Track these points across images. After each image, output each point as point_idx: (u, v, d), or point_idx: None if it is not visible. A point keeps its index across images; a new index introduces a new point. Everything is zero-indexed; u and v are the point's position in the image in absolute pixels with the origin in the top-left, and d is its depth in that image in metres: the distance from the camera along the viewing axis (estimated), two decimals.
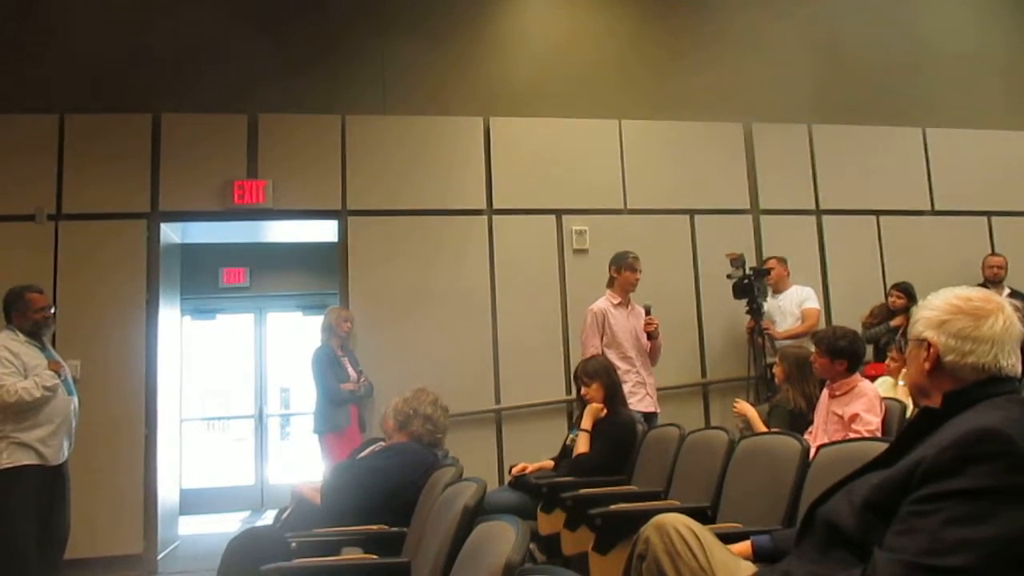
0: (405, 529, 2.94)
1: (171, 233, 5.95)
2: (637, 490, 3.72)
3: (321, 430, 5.32)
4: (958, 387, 1.66)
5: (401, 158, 5.94)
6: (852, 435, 3.50)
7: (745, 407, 4.43)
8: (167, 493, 5.68)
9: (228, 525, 6.83)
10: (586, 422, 4.20)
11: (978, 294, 1.72)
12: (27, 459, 4.12)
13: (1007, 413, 1.53)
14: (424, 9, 6.28)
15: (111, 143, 5.62)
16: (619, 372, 4.68)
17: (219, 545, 3.15)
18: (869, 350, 5.46)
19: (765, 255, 6.18)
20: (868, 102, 6.69)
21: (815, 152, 6.56)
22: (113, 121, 5.66)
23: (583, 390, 4.33)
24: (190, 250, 6.77)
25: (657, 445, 3.95)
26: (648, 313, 5.21)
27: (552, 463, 4.40)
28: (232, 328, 8.73)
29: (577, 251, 6.05)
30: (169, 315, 5.87)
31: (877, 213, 6.55)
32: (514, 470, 4.32)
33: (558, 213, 6.11)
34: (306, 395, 6.72)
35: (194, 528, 6.72)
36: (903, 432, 1.79)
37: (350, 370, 5.44)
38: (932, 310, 1.73)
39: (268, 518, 6.24)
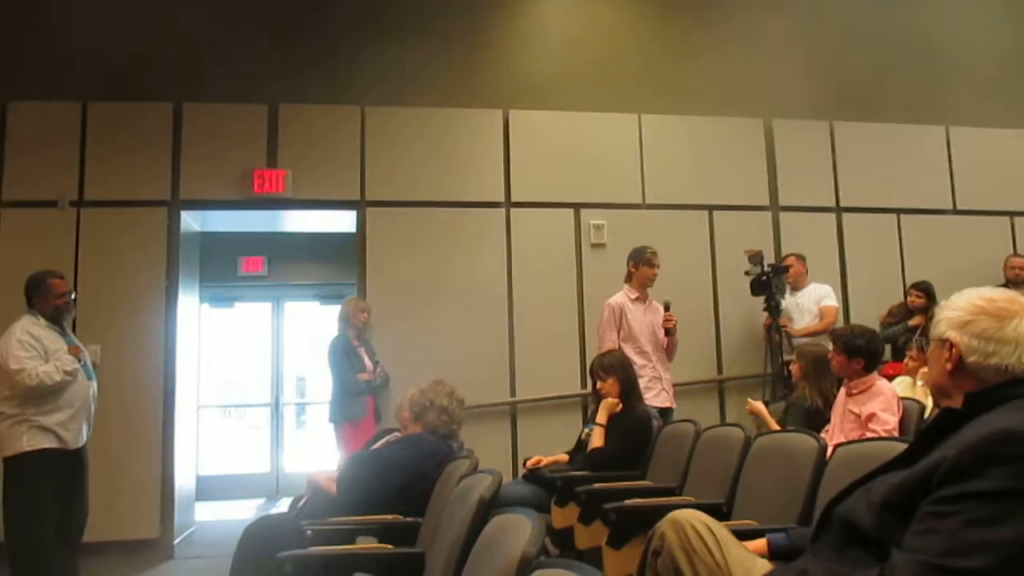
0: (419, 519, 2.95)
1: (191, 221, 5.99)
2: (652, 485, 3.71)
3: (337, 419, 5.35)
4: (980, 388, 1.64)
5: (420, 150, 5.95)
6: (869, 434, 3.49)
7: (755, 404, 4.42)
8: (184, 479, 5.73)
9: (243, 512, 6.88)
10: (601, 416, 4.20)
11: (1002, 295, 1.71)
12: (47, 443, 4.16)
13: None
14: (445, 1, 6.27)
15: (133, 131, 5.66)
16: (635, 367, 4.67)
17: (235, 531, 3.17)
18: (887, 349, 5.42)
19: (784, 252, 6.15)
20: (891, 100, 6.63)
21: (836, 149, 6.51)
22: (135, 109, 5.70)
23: (599, 384, 4.32)
24: (209, 238, 6.81)
25: (672, 441, 3.95)
26: (667, 309, 5.19)
27: (567, 457, 4.40)
28: (250, 317, 8.79)
29: (595, 245, 6.04)
30: (188, 303, 5.92)
31: (898, 211, 6.50)
32: (528, 463, 4.32)
33: (576, 207, 6.10)
34: (322, 384, 6.76)
35: (210, 514, 6.78)
36: (923, 432, 1.77)
37: (366, 360, 5.46)
38: (955, 310, 1.71)
39: (283, 506, 6.27)
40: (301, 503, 3.53)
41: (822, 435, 3.29)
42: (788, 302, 5.84)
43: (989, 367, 1.64)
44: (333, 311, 5.82)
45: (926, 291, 5.72)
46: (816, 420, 4.01)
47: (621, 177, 6.17)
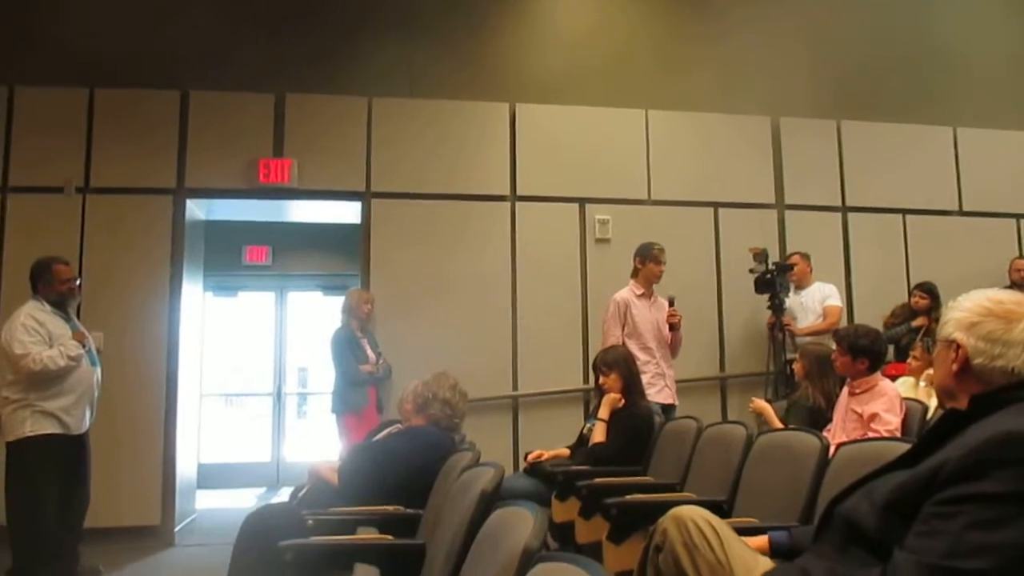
0: (421, 511, 2.95)
1: (196, 210, 5.99)
2: (653, 481, 3.72)
3: (339, 410, 5.36)
4: (986, 390, 1.64)
5: (426, 142, 5.94)
6: (871, 434, 3.49)
7: (760, 403, 4.42)
8: (185, 467, 5.75)
9: (244, 501, 6.91)
10: (603, 412, 4.20)
11: (1010, 297, 1.70)
12: (50, 428, 4.18)
13: None
14: None
15: (139, 119, 5.67)
16: (639, 363, 4.68)
17: (235, 520, 3.17)
18: (890, 350, 5.41)
19: (789, 250, 6.14)
20: (898, 100, 6.60)
21: (843, 148, 6.50)
22: (142, 97, 5.70)
23: (601, 380, 4.33)
24: (214, 227, 6.81)
25: (674, 437, 3.95)
26: (671, 305, 5.19)
27: (568, 451, 4.41)
28: (253, 306, 8.79)
29: (599, 240, 6.04)
30: (192, 291, 5.92)
31: (904, 212, 6.48)
32: (530, 457, 4.33)
33: (582, 202, 6.09)
34: (324, 375, 6.77)
35: (211, 502, 6.79)
36: (927, 433, 1.77)
37: (369, 352, 5.46)
38: (962, 311, 1.71)
39: (284, 495, 6.29)
40: (302, 493, 3.54)
41: (824, 434, 3.29)
42: (792, 301, 5.83)
43: (995, 369, 1.64)
44: (337, 302, 5.82)
45: (930, 292, 5.71)
46: (818, 419, 4.01)
47: (627, 173, 6.16)
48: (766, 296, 5.66)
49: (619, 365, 4.29)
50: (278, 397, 8.52)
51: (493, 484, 2.19)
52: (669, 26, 6.54)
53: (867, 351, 3.76)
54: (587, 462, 4.01)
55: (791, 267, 5.80)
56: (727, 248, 6.17)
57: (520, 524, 1.59)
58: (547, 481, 4.01)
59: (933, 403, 3.92)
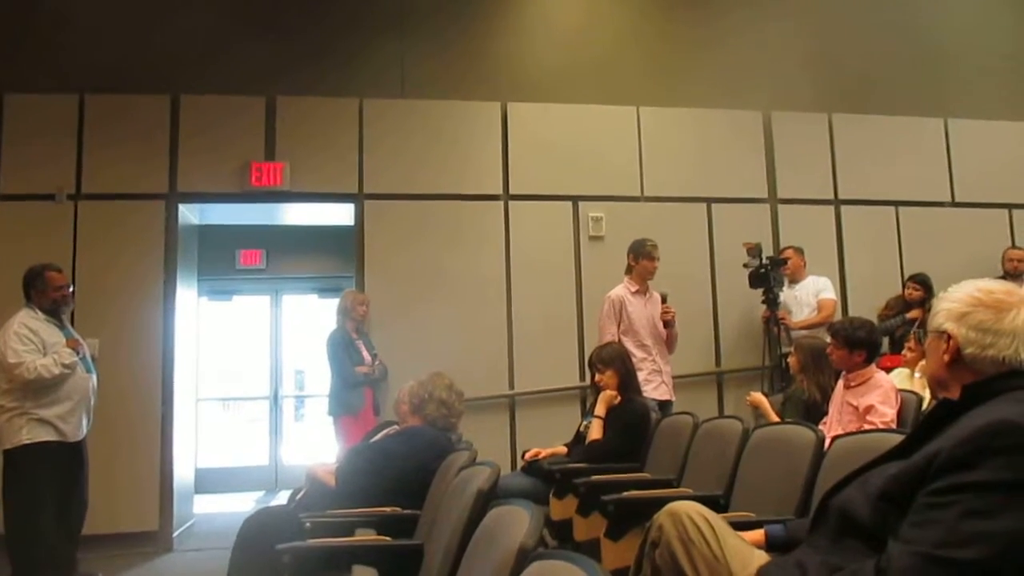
0: (418, 512, 2.96)
1: (189, 214, 5.98)
2: (650, 477, 3.73)
3: (336, 412, 5.35)
4: (978, 380, 1.64)
5: (418, 142, 5.94)
6: (867, 426, 3.49)
7: (757, 396, 4.43)
8: (183, 472, 5.74)
9: (242, 505, 6.89)
10: (600, 409, 4.21)
11: (1000, 286, 1.71)
12: (46, 436, 4.17)
13: None
14: None
15: (130, 124, 5.65)
16: (636, 360, 4.70)
17: (234, 524, 3.18)
18: (884, 342, 5.42)
19: (782, 245, 6.15)
20: (889, 92, 6.61)
21: (835, 142, 6.51)
22: (132, 102, 5.68)
23: (597, 377, 4.33)
24: (207, 231, 6.80)
25: (671, 433, 3.95)
26: (664, 301, 5.20)
27: (565, 449, 4.41)
28: (248, 310, 8.78)
29: (593, 238, 6.04)
30: (186, 296, 5.92)
31: (896, 204, 6.50)
32: (527, 455, 4.33)
33: (574, 199, 6.09)
34: (321, 377, 6.76)
35: (209, 507, 6.79)
36: (920, 424, 1.78)
37: (365, 353, 5.46)
38: (953, 302, 1.71)
39: (282, 498, 6.28)
40: (300, 495, 3.54)
41: (820, 427, 3.30)
42: (786, 295, 5.84)
43: (986, 359, 1.64)
44: (331, 304, 5.81)
45: (923, 283, 5.73)
46: (814, 412, 4.02)
47: (619, 170, 6.16)
48: (760, 291, 5.67)
49: (614, 362, 4.30)
50: (275, 400, 8.51)
51: (489, 483, 2.20)
52: (659, 23, 6.54)
53: (864, 343, 3.77)
54: (584, 459, 4.00)
55: (785, 261, 5.81)
56: (721, 243, 6.18)
57: (516, 523, 1.60)
58: (545, 479, 4.01)
59: (928, 394, 3.93)
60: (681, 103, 6.32)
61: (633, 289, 5.23)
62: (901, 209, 6.49)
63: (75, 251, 5.44)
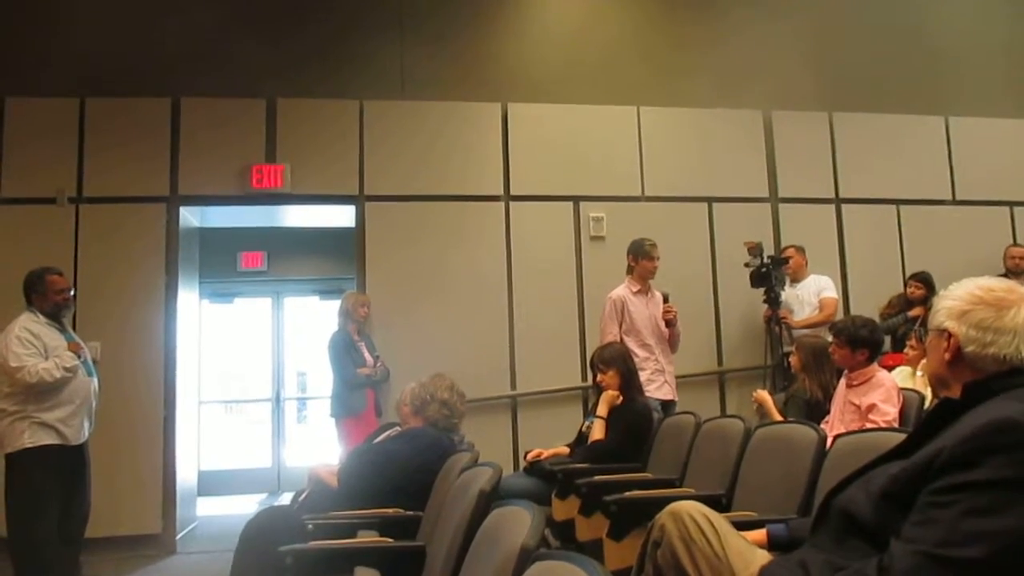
0: (420, 513, 2.96)
1: (190, 217, 5.99)
2: (652, 477, 3.73)
3: (338, 414, 5.36)
4: (979, 378, 1.64)
5: (419, 143, 5.94)
6: (869, 425, 3.49)
7: (762, 394, 4.43)
8: (185, 474, 5.74)
9: (245, 507, 6.89)
10: (602, 409, 4.21)
11: (1000, 284, 1.70)
12: (48, 439, 4.18)
13: None
14: None
15: (131, 127, 5.65)
16: (638, 359, 4.70)
17: (236, 526, 3.17)
18: (887, 340, 5.42)
19: (783, 244, 6.15)
20: (890, 90, 6.60)
21: (835, 140, 6.50)
22: (133, 105, 5.68)
23: (599, 377, 4.34)
24: (208, 234, 6.80)
25: (673, 433, 3.96)
26: (666, 301, 5.20)
27: (567, 449, 4.40)
28: (250, 312, 8.79)
29: (594, 238, 6.04)
30: (188, 298, 5.92)
31: (897, 202, 6.49)
32: (529, 456, 4.33)
33: (575, 200, 6.09)
34: (323, 379, 6.77)
35: (212, 509, 6.79)
36: (922, 422, 1.77)
37: (366, 355, 5.46)
38: (953, 300, 1.71)
39: (285, 500, 6.29)
40: (302, 497, 3.54)
41: (822, 426, 3.30)
42: (788, 294, 5.84)
43: (987, 357, 1.64)
44: (333, 306, 5.82)
45: (925, 282, 5.73)
46: (816, 411, 4.01)
47: (620, 170, 6.16)
48: (762, 290, 5.67)
49: (616, 362, 4.30)
50: (277, 402, 8.51)
51: (491, 484, 2.20)
52: (660, 22, 6.54)
53: (866, 341, 3.77)
54: (586, 460, 4.00)
55: (786, 260, 5.81)
56: (722, 243, 6.17)
57: (518, 523, 1.60)
58: (547, 479, 4.01)
59: (930, 392, 3.93)
60: (681, 103, 6.32)
61: (634, 289, 5.22)
62: (902, 207, 6.49)
63: (76, 254, 5.44)
